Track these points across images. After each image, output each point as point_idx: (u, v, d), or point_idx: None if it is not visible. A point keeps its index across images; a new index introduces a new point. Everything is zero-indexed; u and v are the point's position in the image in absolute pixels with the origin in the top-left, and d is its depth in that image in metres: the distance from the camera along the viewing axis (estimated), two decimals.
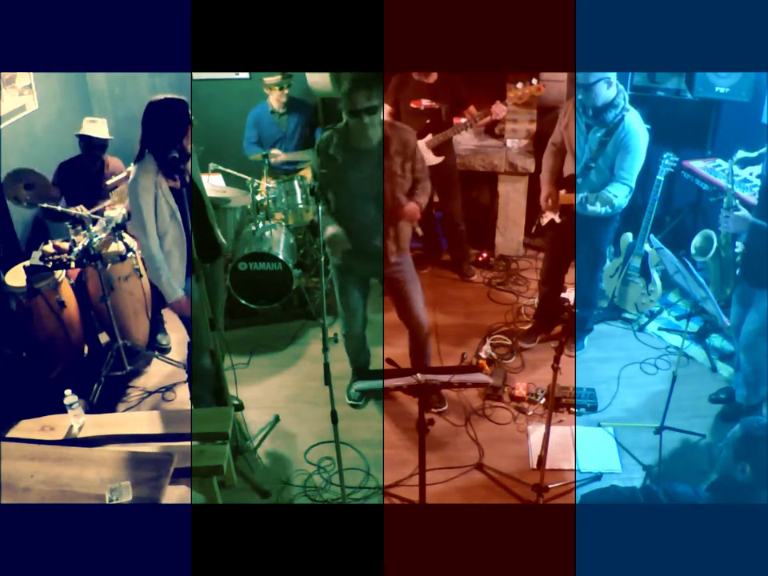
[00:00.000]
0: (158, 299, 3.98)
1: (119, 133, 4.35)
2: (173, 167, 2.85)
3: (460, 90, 4.26)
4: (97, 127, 3.97)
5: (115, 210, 3.78)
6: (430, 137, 4.24)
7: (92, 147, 3.99)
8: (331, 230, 3.04)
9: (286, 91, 4.72)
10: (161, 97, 2.86)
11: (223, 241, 3.38)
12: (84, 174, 4.03)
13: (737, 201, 3.49)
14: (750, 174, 3.90)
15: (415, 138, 3.15)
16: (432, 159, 4.25)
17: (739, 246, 3.61)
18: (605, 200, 3.36)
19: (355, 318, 3.45)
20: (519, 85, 4.08)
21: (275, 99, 4.74)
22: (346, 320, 3.47)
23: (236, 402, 3.57)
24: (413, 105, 4.22)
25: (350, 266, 3.25)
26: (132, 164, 2.98)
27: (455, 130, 4.27)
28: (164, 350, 4.19)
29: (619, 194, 3.36)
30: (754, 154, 3.42)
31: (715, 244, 3.84)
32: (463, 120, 4.28)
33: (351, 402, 3.69)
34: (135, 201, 2.90)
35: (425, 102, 4.21)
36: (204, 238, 3.07)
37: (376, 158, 3.00)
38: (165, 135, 2.84)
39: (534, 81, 4.05)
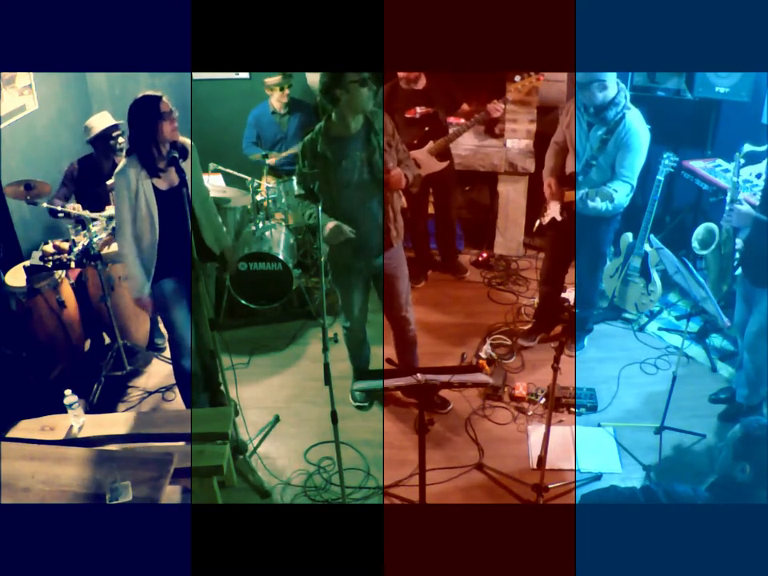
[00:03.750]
0: None
1: None
2: (152, 164, 2.92)
3: (452, 90, 4.16)
4: (103, 119, 3.91)
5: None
6: (431, 144, 4.16)
7: (108, 139, 3.86)
8: (330, 224, 3.00)
9: (287, 91, 4.72)
10: (140, 95, 2.92)
11: (215, 249, 3.33)
12: (96, 174, 3.99)
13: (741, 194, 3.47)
14: (750, 175, 3.89)
15: (390, 120, 3.10)
16: (436, 165, 4.18)
17: (739, 243, 3.61)
18: (605, 194, 3.30)
19: (357, 312, 3.44)
20: (517, 78, 3.94)
21: (276, 100, 4.74)
22: (347, 315, 3.47)
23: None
24: (407, 115, 4.10)
25: (350, 263, 3.23)
26: None
27: (456, 134, 4.16)
28: (159, 350, 4.20)
29: (620, 191, 3.34)
30: (763, 148, 3.42)
31: (717, 238, 3.83)
32: (462, 121, 4.20)
33: (357, 403, 3.68)
34: (115, 195, 2.98)
35: (419, 110, 4.10)
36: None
37: (362, 142, 3.00)
38: (140, 131, 2.90)
39: (532, 73, 3.88)
